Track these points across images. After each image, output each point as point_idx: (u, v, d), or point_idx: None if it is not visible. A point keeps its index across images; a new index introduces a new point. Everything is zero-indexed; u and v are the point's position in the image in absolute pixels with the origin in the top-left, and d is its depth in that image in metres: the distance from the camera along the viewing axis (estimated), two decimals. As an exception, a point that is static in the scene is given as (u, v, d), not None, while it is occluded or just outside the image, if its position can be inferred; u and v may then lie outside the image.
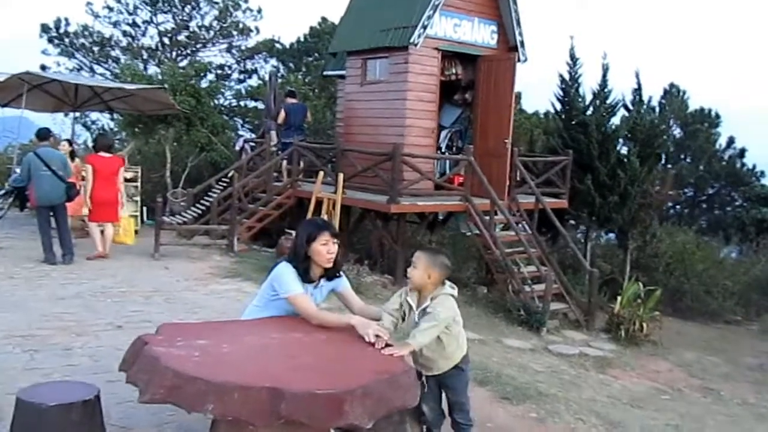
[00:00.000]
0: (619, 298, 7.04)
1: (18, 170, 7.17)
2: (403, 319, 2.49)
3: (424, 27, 7.94)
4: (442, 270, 2.40)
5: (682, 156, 16.09)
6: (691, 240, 10.70)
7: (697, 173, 15.68)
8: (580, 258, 7.90)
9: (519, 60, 8.58)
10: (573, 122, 9.81)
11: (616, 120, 9.98)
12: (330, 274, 2.63)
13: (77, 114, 11.08)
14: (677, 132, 15.80)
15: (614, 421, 3.42)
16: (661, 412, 3.98)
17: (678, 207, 15.59)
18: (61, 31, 16.66)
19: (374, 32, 8.49)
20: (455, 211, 8.42)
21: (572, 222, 10.10)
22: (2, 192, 8.62)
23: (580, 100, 9.98)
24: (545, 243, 8.27)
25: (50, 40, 16.64)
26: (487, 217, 7.54)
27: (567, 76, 10.04)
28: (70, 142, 7.61)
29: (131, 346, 2.29)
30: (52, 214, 6.04)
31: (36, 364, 3.27)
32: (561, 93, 10.12)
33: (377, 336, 2.28)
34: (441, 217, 9.62)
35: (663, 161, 11.08)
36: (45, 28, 16.54)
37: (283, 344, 2.39)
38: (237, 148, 10.16)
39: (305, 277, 2.57)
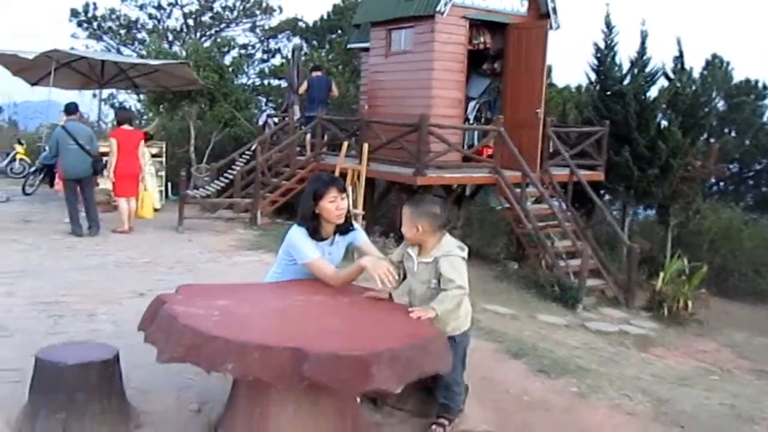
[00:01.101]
0: (661, 274, 6.66)
1: (47, 147, 7.25)
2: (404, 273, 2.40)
3: (451, -6, 7.58)
4: (429, 218, 2.22)
5: (726, 130, 15.14)
6: (738, 217, 10.10)
7: (742, 148, 14.73)
8: (619, 232, 7.51)
9: (551, 27, 8.14)
10: (608, 92, 9.33)
11: (654, 91, 9.43)
12: (343, 228, 2.57)
13: (104, 95, 11.20)
14: (720, 105, 14.83)
15: (662, 399, 3.15)
16: (711, 392, 3.68)
17: (722, 183, 14.74)
18: (90, 15, 16.94)
19: (399, 2, 8.20)
20: (484, 185, 8.11)
21: (608, 197, 9.64)
22: (33, 169, 8.85)
23: (616, 69, 9.48)
24: (580, 218, 7.90)
25: (79, 24, 16.96)
26: (518, 190, 7.23)
27: (602, 45, 9.51)
28: (79, 115, 7.61)
29: (149, 305, 2.21)
30: (78, 187, 6.09)
31: (60, 329, 3.28)
32: (596, 62, 9.64)
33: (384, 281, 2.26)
34: (468, 191, 9.33)
35: (705, 135, 10.39)
36: (74, 13, 16.84)
37: (307, 306, 2.30)
38: (260, 122, 10.10)
39: (316, 235, 2.50)
